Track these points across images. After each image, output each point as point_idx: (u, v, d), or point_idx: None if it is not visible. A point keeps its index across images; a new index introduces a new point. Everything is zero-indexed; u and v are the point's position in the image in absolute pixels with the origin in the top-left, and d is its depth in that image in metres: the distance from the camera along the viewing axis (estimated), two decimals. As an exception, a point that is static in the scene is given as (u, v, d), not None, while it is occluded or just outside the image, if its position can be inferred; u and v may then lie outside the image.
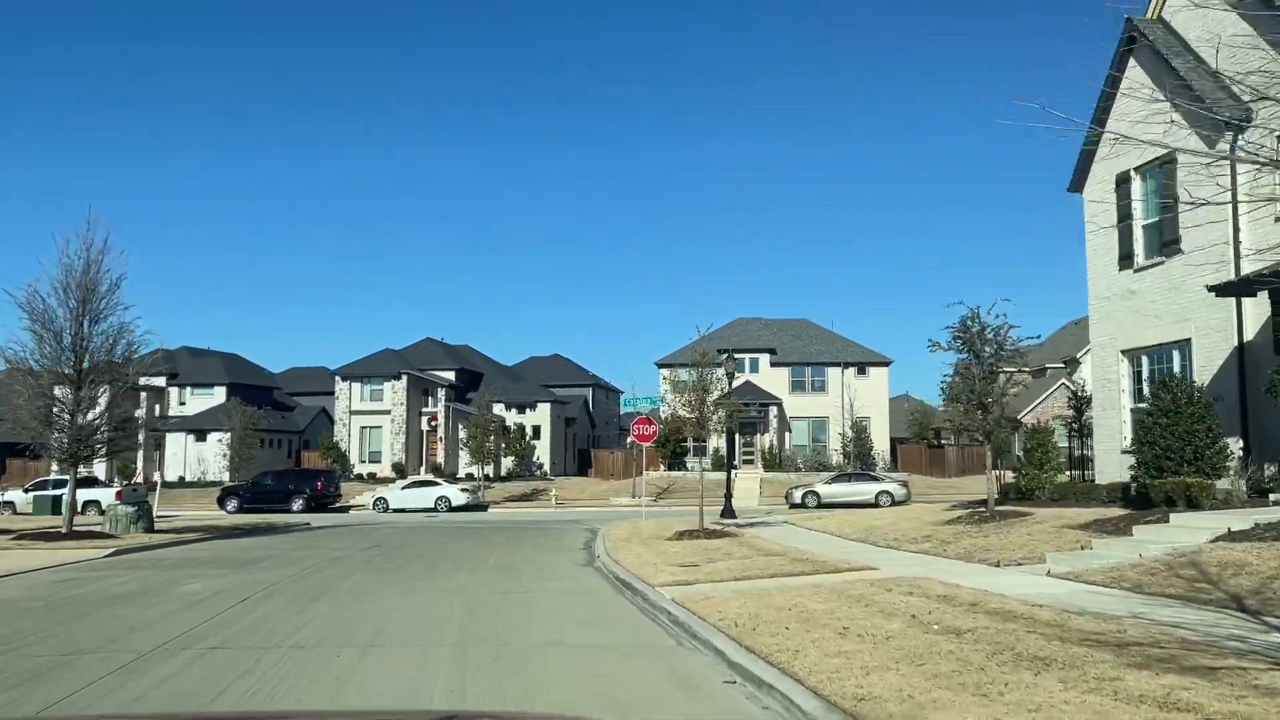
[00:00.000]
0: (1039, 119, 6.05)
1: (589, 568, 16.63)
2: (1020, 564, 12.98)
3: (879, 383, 55.07)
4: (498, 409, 55.09)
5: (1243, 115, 9.20)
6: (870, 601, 10.11)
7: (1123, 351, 19.12)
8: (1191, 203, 7.80)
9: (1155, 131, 10.13)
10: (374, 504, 42.78)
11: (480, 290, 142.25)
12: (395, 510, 41.95)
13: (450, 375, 59.71)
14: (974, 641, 7.61)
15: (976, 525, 17.12)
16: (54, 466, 56.49)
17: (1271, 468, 15.05)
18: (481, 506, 43.60)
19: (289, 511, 41.16)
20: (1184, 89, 15.11)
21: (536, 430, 58.10)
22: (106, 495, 38.19)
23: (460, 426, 54.22)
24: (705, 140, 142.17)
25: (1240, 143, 13.12)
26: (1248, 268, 15.47)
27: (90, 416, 21.97)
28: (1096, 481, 19.68)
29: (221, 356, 64.63)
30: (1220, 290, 15.44)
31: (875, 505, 38.89)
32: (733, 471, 29.62)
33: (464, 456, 54.10)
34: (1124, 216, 18.79)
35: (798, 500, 39.58)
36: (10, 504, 40.06)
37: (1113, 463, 19.02)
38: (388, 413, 56.83)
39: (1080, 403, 29.65)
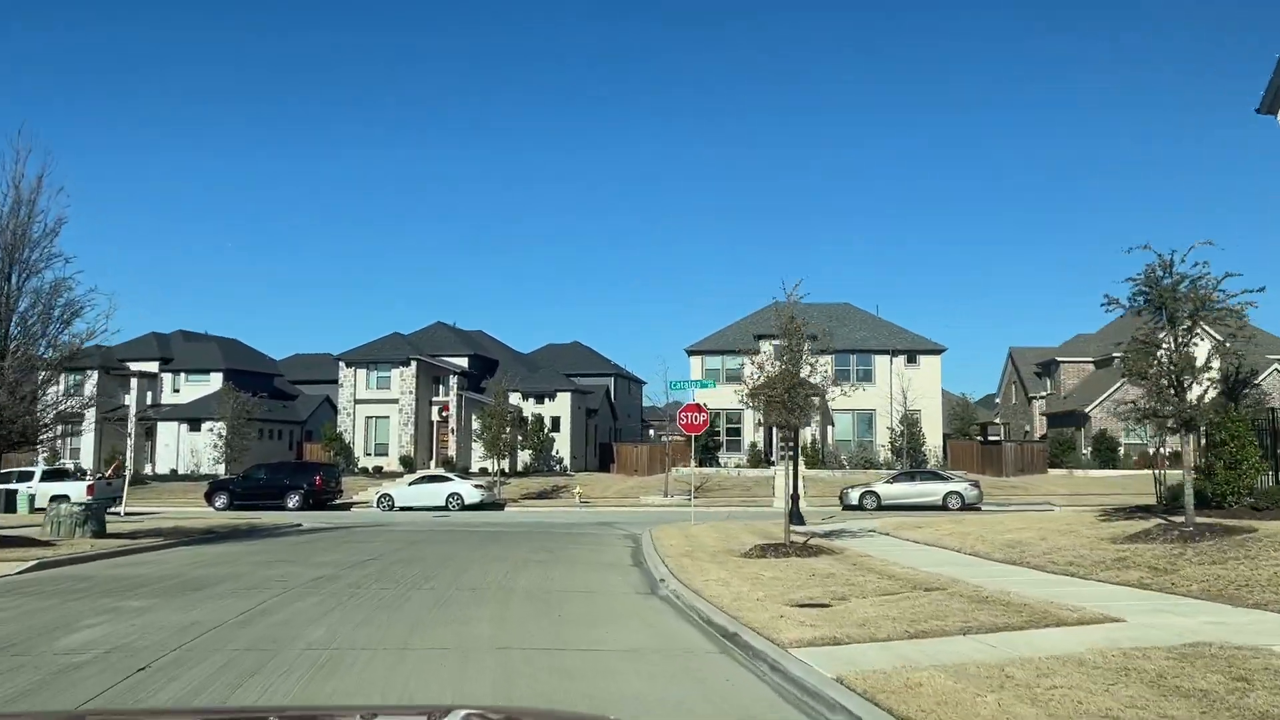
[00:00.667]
0: None
1: (653, 597, 12.20)
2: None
3: (930, 373, 50.31)
4: (514, 399, 50.66)
5: None
6: (1209, 697, 5.68)
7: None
8: None
9: None
10: (378, 501, 38.46)
11: (488, 281, 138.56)
12: (402, 508, 37.60)
13: (463, 362, 55.31)
14: None
15: (1181, 544, 12.58)
16: (39, 457, 52.51)
17: None
18: (498, 505, 39.22)
19: (283, 509, 36.84)
20: None
21: (556, 422, 53.64)
22: (78, 489, 33.97)
23: (474, 417, 49.82)
24: (725, 121, 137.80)
25: None
26: None
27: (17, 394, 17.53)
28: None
29: (218, 341, 60.39)
30: None
31: (943, 508, 34.40)
32: (789, 468, 25.17)
33: (477, 450, 49.72)
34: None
35: (854, 501, 35.13)
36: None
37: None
38: (395, 402, 52.51)
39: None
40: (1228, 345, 15.02)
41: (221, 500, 37.86)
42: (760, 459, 48.22)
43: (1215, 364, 14.53)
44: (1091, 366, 54.12)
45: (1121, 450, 47.45)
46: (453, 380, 52.79)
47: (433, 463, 52.02)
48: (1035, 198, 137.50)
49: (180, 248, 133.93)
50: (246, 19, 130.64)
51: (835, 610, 9.68)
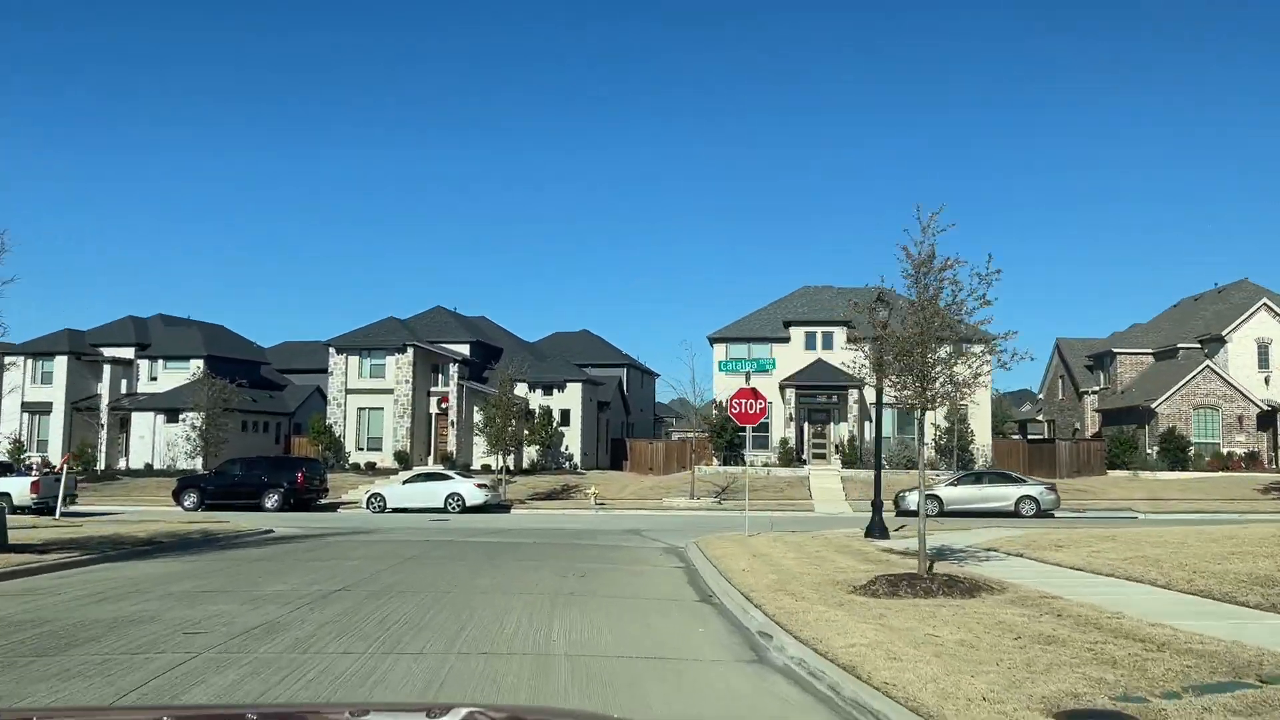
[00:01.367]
0: None
1: (765, 668, 7.80)
2: None
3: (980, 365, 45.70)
4: (520, 389, 46.14)
5: None
6: None
7: None
8: None
9: None
10: (368, 501, 34.03)
11: (490, 272, 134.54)
12: (394, 510, 33.17)
13: (464, 349, 50.76)
14: None
15: None
16: (2, 449, 47.94)
17: None
18: (503, 507, 34.77)
19: (260, 509, 32.43)
20: None
21: (565, 415, 49.12)
22: (20, 486, 29.54)
23: (476, 409, 45.35)
24: (725, 121, 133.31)
25: None
26: None
27: None
28: None
29: (200, 326, 55.86)
30: None
31: (1015, 514, 30.00)
32: (877, 466, 20.89)
33: (479, 445, 45.28)
34: None
35: (911, 506, 30.62)
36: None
37: None
38: (390, 391, 48.01)
39: None
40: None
41: (191, 499, 33.44)
42: (792, 457, 43.71)
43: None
44: (1151, 358, 49.60)
45: (1192, 450, 42.96)
46: (453, 369, 48.29)
47: (430, 459, 47.55)
48: (1035, 198, 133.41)
49: (180, 246, 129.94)
50: (246, 19, 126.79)
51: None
